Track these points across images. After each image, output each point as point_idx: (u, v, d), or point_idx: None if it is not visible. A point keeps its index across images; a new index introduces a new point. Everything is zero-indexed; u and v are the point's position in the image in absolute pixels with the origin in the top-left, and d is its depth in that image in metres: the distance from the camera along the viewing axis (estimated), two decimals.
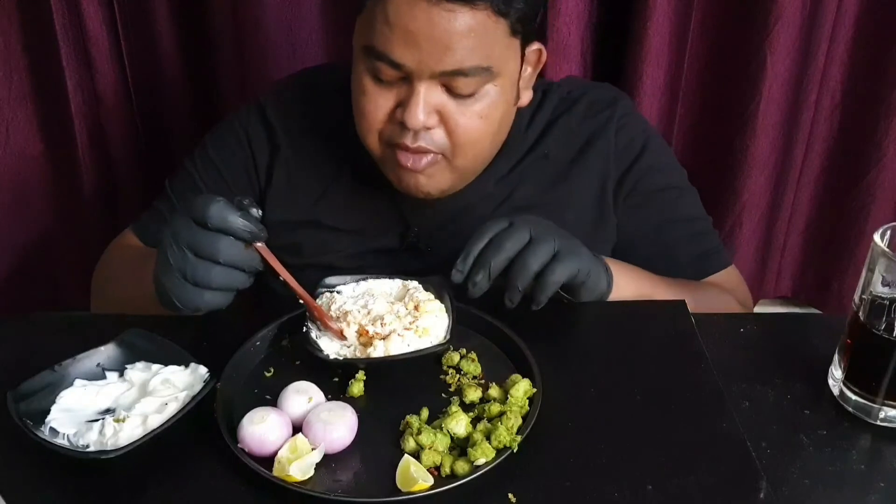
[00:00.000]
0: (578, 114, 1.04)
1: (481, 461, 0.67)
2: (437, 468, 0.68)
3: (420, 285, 0.84)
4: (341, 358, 0.78)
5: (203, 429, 0.71)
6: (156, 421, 0.69)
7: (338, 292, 0.85)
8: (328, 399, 0.75)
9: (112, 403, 0.74)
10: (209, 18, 1.37)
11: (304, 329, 0.80)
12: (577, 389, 0.77)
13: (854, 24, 1.40)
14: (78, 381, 0.75)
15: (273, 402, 0.74)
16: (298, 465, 0.66)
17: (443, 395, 0.77)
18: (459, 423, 0.70)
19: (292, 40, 1.38)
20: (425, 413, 0.73)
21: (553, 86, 1.07)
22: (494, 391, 0.76)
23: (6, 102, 1.36)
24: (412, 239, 1.03)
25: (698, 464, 0.69)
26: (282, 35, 1.37)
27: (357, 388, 0.76)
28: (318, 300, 0.83)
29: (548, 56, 1.00)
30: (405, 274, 0.87)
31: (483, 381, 0.78)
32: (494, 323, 0.83)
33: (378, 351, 0.77)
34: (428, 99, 0.87)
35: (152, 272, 0.80)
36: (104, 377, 0.77)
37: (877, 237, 0.72)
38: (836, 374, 0.78)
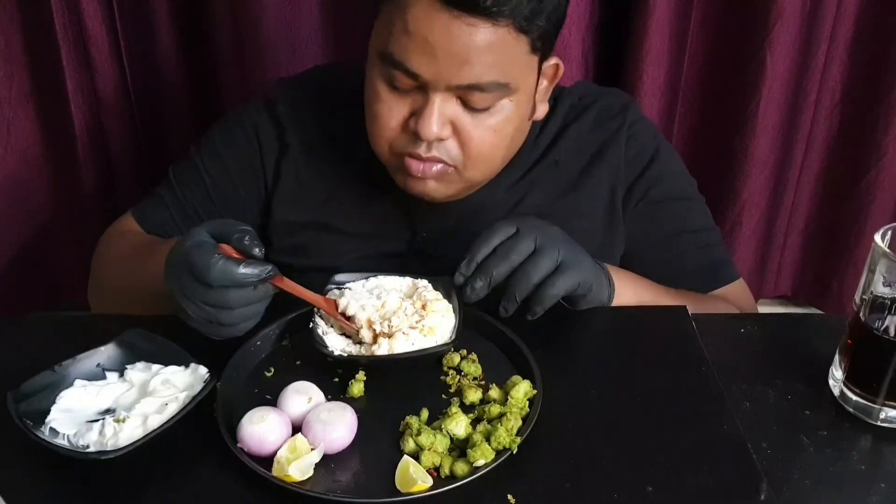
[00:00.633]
0: (589, 121, 1.03)
1: (481, 462, 0.67)
2: (437, 469, 0.68)
3: (430, 284, 0.84)
4: (346, 355, 0.78)
5: (203, 429, 0.71)
6: (156, 421, 0.69)
7: (348, 289, 0.84)
8: (328, 399, 0.75)
9: (112, 404, 0.74)
10: (209, 18, 1.37)
11: (311, 325, 0.80)
12: (577, 391, 0.77)
13: (854, 24, 1.40)
14: (78, 382, 0.75)
15: (273, 402, 0.74)
16: (298, 466, 0.66)
17: (443, 396, 0.77)
18: (459, 425, 0.70)
19: (292, 40, 1.37)
20: (425, 414, 0.73)
21: (564, 91, 1.05)
22: (494, 392, 0.76)
23: (7, 102, 1.36)
24: (420, 244, 1.02)
25: (699, 465, 0.69)
26: (282, 35, 1.36)
27: (357, 388, 0.76)
28: (327, 296, 0.83)
29: None
30: None
31: (483, 383, 0.78)
32: (495, 324, 0.83)
33: (382, 349, 0.77)
34: (443, 110, 0.85)
35: (152, 272, 0.79)
36: (104, 377, 0.77)
37: (877, 237, 0.72)
38: (836, 374, 0.78)
